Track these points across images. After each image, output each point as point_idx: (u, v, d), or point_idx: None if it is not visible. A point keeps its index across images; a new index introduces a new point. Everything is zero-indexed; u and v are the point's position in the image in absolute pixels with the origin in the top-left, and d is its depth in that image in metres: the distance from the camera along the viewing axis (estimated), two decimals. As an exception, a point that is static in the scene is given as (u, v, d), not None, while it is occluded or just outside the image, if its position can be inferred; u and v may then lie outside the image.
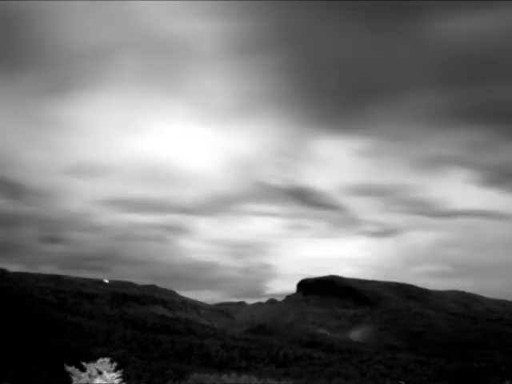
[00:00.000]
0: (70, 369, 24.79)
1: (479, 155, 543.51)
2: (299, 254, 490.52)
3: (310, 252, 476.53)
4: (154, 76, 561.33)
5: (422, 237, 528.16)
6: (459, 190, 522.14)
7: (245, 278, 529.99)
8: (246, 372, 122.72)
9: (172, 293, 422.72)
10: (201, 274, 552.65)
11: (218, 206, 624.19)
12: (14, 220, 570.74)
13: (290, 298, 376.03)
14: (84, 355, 32.45)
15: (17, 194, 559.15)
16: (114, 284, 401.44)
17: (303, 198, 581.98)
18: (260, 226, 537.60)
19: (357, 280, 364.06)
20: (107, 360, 25.23)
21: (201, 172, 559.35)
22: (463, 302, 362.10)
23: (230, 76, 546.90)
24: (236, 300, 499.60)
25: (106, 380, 24.49)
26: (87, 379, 24.56)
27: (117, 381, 24.88)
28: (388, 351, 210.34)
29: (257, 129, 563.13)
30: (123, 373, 25.60)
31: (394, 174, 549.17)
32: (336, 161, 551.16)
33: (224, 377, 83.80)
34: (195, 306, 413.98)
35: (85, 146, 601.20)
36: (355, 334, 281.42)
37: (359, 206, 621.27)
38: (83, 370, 24.89)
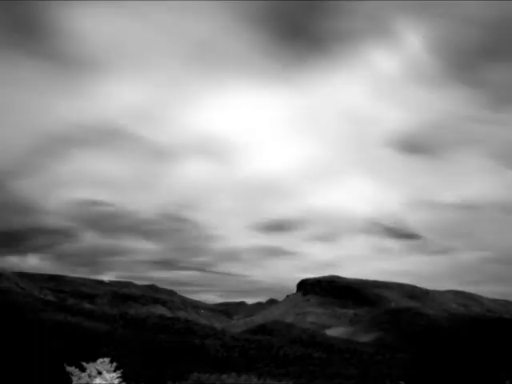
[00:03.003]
0: (69, 369, 24.70)
1: None
2: (363, 267, 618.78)
3: (378, 266, 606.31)
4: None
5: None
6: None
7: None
8: (246, 372, 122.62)
9: (172, 293, 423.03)
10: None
11: (328, 236, 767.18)
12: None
13: (289, 297, 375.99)
14: (84, 355, 32.37)
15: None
16: (114, 284, 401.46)
17: (396, 232, 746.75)
18: (348, 247, 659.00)
19: (357, 280, 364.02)
20: (107, 360, 25.16)
21: (347, 212, 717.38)
22: (463, 302, 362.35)
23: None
24: (236, 300, 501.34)
25: (106, 380, 24.44)
26: (87, 379, 24.49)
27: (117, 381, 24.81)
28: (388, 351, 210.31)
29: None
30: (123, 373, 25.53)
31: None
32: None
33: (224, 377, 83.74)
34: (195, 305, 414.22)
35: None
36: (355, 334, 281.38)
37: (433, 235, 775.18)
38: (83, 370, 24.83)
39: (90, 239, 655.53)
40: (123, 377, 25.47)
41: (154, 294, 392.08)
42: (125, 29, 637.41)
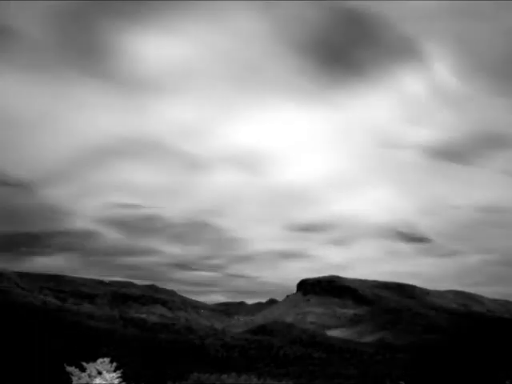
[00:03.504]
0: (69, 369, 24.70)
1: None
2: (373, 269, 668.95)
3: (386, 267, 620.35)
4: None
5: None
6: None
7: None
8: (246, 372, 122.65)
9: (172, 293, 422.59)
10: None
11: (344, 238, 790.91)
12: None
13: (289, 297, 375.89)
14: (84, 355, 32.37)
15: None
16: (114, 284, 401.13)
17: (408, 237, 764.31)
18: (359, 250, 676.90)
19: (357, 280, 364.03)
20: (107, 360, 25.16)
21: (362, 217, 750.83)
22: (463, 302, 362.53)
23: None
24: (236, 300, 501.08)
25: (106, 380, 24.45)
26: (87, 379, 24.50)
27: (117, 381, 24.82)
28: (388, 351, 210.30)
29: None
30: (123, 373, 25.54)
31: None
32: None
33: (224, 377, 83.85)
34: (195, 305, 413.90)
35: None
36: (355, 334, 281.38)
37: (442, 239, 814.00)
38: (83, 370, 24.83)
39: (113, 241, 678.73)
40: (123, 377, 25.48)
41: (154, 294, 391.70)
42: (175, 53, 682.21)
